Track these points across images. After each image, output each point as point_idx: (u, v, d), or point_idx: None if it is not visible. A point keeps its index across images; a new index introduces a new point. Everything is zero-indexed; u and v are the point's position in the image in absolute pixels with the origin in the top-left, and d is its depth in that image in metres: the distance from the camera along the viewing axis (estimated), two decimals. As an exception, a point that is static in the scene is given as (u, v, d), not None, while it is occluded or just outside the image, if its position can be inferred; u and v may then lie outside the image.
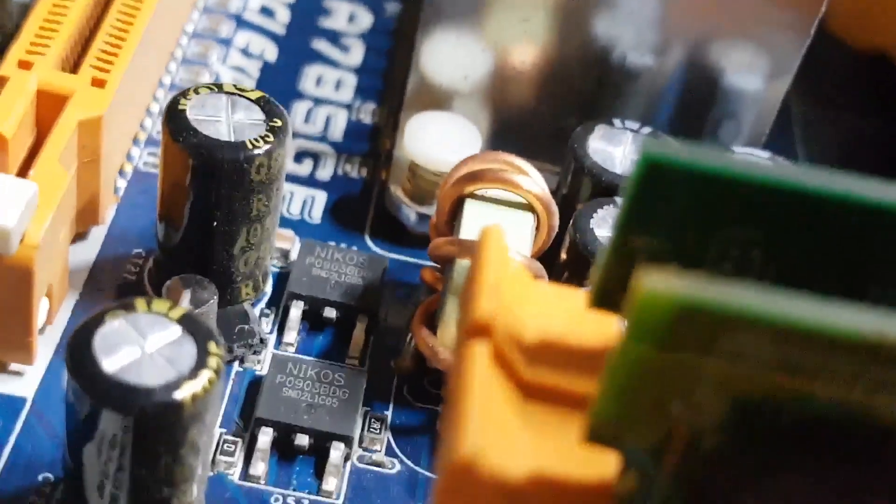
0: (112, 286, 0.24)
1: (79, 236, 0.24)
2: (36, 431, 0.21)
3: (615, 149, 0.24)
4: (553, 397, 0.16)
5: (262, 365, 0.23)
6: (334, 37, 0.31)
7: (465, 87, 0.26)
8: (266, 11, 0.32)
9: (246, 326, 0.23)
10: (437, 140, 0.25)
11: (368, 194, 0.27)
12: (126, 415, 0.17)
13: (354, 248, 0.26)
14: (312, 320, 0.24)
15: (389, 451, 0.22)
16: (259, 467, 0.21)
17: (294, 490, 0.21)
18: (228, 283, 0.23)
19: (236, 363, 0.23)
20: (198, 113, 0.22)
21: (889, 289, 0.15)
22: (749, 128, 0.26)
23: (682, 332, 0.13)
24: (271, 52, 0.30)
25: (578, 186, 0.24)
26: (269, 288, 0.24)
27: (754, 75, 0.26)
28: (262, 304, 0.24)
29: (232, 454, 0.21)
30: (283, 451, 0.22)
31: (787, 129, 0.31)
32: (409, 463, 0.22)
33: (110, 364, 0.17)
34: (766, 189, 0.14)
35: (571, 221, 0.23)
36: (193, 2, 0.30)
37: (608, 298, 0.16)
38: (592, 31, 0.26)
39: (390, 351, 0.24)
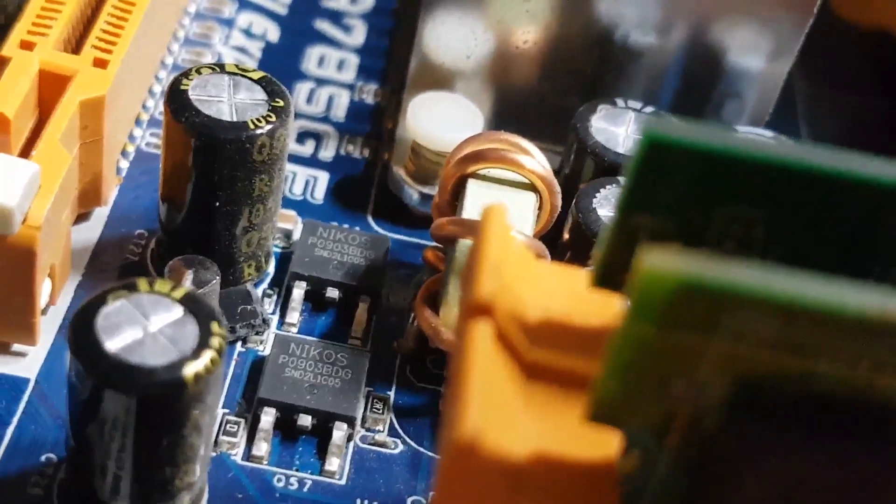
0: (115, 267, 0.24)
1: (81, 217, 0.24)
2: (39, 412, 0.21)
3: (618, 128, 0.24)
4: (555, 377, 0.16)
5: (264, 345, 0.23)
6: (336, 17, 0.31)
7: (468, 66, 0.26)
8: (268, -9, 0.31)
9: (248, 307, 0.23)
10: (440, 120, 0.25)
11: (371, 174, 0.27)
12: (129, 395, 0.17)
13: (357, 228, 0.26)
14: (315, 300, 0.24)
15: (392, 432, 0.22)
16: (262, 447, 0.21)
17: (297, 470, 0.21)
18: (231, 264, 0.23)
19: (239, 344, 0.23)
20: (200, 93, 0.22)
21: (892, 266, 0.15)
22: (752, 107, 0.26)
23: (684, 311, 0.13)
24: (273, 33, 0.30)
25: (581, 166, 0.24)
26: (271, 268, 0.24)
27: (757, 54, 0.25)
28: (265, 285, 0.24)
29: (235, 434, 0.21)
30: (286, 431, 0.22)
31: (791, 107, 0.31)
32: (411, 443, 0.22)
33: (113, 344, 0.17)
34: (767, 167, 0.14)
35: (574, 201, 0.22)
36: (195, -18, 0.30)
37: (610, 278, 0.15)
38: (595, 11, 0.25)
39: (393, 331, 0.24)
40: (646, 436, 0.14)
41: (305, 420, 0.21)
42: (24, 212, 0.19)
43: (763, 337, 0.13)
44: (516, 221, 0.21)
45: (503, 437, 0.14)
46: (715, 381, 0.14)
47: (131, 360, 0.17)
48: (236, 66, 0.22)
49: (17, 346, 0.22)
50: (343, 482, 0.21)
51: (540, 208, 0.22)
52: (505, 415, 0.15)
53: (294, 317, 0.23)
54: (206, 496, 0.20)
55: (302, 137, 0.28)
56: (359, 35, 0.31)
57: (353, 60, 0.30)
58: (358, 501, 0.21)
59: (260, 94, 0.22)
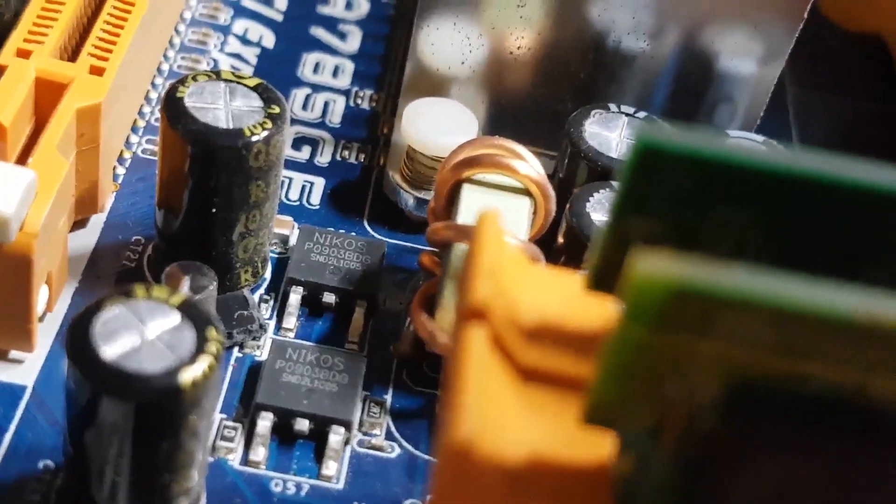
0: (111, 273, 0.24)
1: (78, 224, 0.24)
2: (36, 419, 0.21)
3: (611, 133, 0.24)
4: (551, 380, 0.16)
5: (261, 350, 0.23)
6: (332, 23, 0.31)
7: (462, 72, 0.26)
8: (263, -2, 0.32)
9: (245, 312, 0.23)
10: (435, 125, 0.25)
11: (367, 180, 0.28)
12: (126, 401, 0.17)
13: (353, 233, 0.26)
14: (311, 305, 0.24)
15: (389, 436, 0.22)
16: (259, 452, 0.21)
17: (294, 475, 0.21)
18: (227, 270, 0.23)
19: (236, 349, 0.23)
20: (196, 100, 0.22)
21: (883, 269, 0.15)
22: (744, 111, 0.26)
23: (678, 314, 0.13)
24: (269, 39, 0.30)
25: (575, 170, 0.24)
26: (268, 274, 0.25)
27: (748, 59, 0.26)
28: (262, 290, 0.24)
29: (232, 440, 0.21)
30: (283, 436, 0.22)
31: (782, 111, 0.31)
32: (408, 447, 0.22)
33: (110, 350, 0.17)
34: (758, 172, 0.14)
35: (568, 205, 0.23)
36: (190, -11, 0.30)
37: (604, 281, 0.16)
38: (588, 16, 0.26)
39: (389, 335, 0.24)
40: (641, 437, 0.15)
41: (302, 425, 0.21)
42: (20, 219, 0.19)
43: (755, 339, 0.13)
44: (511, 226, 0.22)
45: (499, 441, 0.14)
46: (708, 382, 0.14)
47: (129, 367, 0.17)
48: (232, 72, 0.23)
49: (14, 353, 0.22)
50: (340, 486, 0.21)
51: (534, 213, 0.22)
52: (500, 418, 0.15)
53: (291, 322, 0.24)
54: (203, 501, 0.20)
55: (298, 143, 0.28)
56: (354, 41, 0.31)
57: (349, 66, 0.30)
58: (355, 505, 0.21)
59: (256, 101, 0.22)
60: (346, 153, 0.28)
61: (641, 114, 0.25)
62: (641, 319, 0.13)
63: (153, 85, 0.28)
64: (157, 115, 0.27)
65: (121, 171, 0.26)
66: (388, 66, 0.31)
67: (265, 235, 0.23)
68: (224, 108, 0.22)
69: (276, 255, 0.25)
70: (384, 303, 0.24)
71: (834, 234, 0.15)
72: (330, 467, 0.21)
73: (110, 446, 0.18)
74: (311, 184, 0.27)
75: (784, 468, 0.13)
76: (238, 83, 0.22)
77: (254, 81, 0.23)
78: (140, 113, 0.27)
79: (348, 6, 0.32)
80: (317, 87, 0.30)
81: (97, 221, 0.25)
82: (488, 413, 0.15)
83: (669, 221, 0.15)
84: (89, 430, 0.18)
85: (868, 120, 0.32)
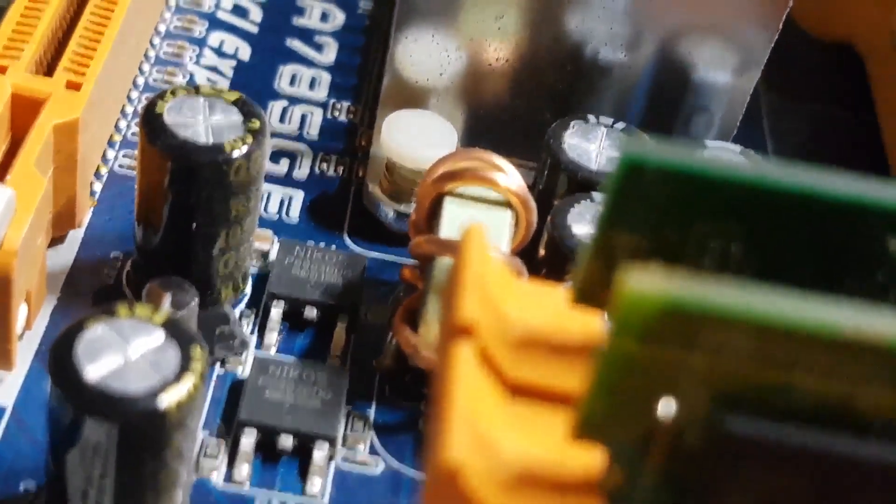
0: (90, 290, 0.24)
1: (56, 240, 0.24)
2: (17, 439, 0.21)
3: (590, 144, 0.25)
4: (538, 395, 0.16)
5: (243, 367, 0.23)
6: (308, 35, 0.31)
7: (441, 84, 0.27)
8: (239, 10, 0.31)
9: (226, 328, 0.23)
10: (414, 138, 0.25)
11: (346, 193, 0.28)
12: (110, 423, 0.17)
13: (333, 247, 0.26)
14: (293, 320, 0.24)
15: (373, 451, 0.22)
16: (243, 469, 0.21)
17: (279, 491, 0.21)
18: (208, 285, 0.23)
19: (217, 365, 0.23)
20: (175, 116, 0.22)
21: (864, 280, 0.16)
22: (720, 121, 0.26)
23: (666, 329, 0.13)
24: (245, 52, 0.30)
25: (555, 182, 0.24)
26: (248, 289, 0.24)
27: (724, 69, 0.26)
28: (242, 306, 0.24)
29: (215, 457, 0.21)
30: (267, 452, 0.22)
31: (757, 120, 0.32)
32: (393, 462, 0.22)
33: (94, 371, 0.17)
34: (740, 185, 0.15)
35: (549, 217, 0.23)
36: (165, 1, 0.30)
37: (590, 295, 0.16)
38: (565, 27, 0.26)
39: (372, 349, 0.24)
40: (630, 451, 0.15)
41: (286, 441, 0.21)
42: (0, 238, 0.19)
43: (743, 353, 0.13)
44: (493, 239, 0.22)
45: (488, 459, 0.14)
46: (697, 396, 0.14)
47: (112, 388, 0.17)
48: (211, 87, 0.22)
49: (-8, 373, 0.21)
50: (325, 502, 0.21)
51: (516, 225, 0.22)
52: (489, 435, 0.15)
53: (272, 337, 0.23)
54: (188, 520, 0.20)
55: (276, 156, 0.28)
56: (331, 53, 0.31)
57: (326, 78, 0.30)
58: (340, 521, 0.21)
59: (236, 116, 0.22)
60: (324, 166, 0.28)
61: (620, 125, 0.25)
62: (630, 334, 0.13)
63: (129, 99, 0.28)
64: (134, 129, 0.27)
65: (98, 186, 0.26)
66: (365, 78, 0.30)
67: (246, 250, 0.23)
68: (203, 123, 0.22)
69: (256, 270, 0.25)
70: (366, 316, 0.24)
71: (815, 246, 0.15)
72: (315, 484, 0.21)
73: (93, 467, 0.18)
74: (290, 197, 0.27)
75: (772, 483, 0.13)
76: (217, 98, 0.22)
77: (233, 96, 0.22)
78: (116, 127, 0.27)
79: (324, 17, 0.32)
80: (294, 100, 0.29)
81: (75, 237, 0.24)
82: (476, 431, 0.15)
83: (654, 235, 0.15)
84: (72, 451, 0.18)
85: (841, 127, 0.32)
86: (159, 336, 0.18)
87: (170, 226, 0.22)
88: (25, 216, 0.20)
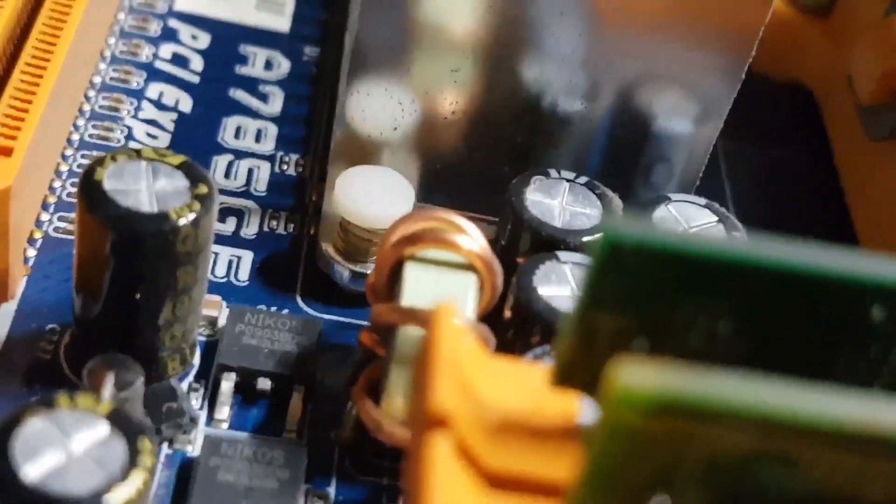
0: (25, 367, 0.22)
1: (-14, 314, 0.22)
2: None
3: (552, 200, 0.24)
4: (519, 485, 0.15)
5: (193, 445, 0.22)
6: (252, 84, 0.30)
7: (394, 137, 0.26)
8: (179, 60, 0.30)
9: (174, 405, 0.22)
10: (369, 195, 0.24)
11: (297, 251, 0.26)
12: (52, 528, 0.16)
13: (286, 310, 0.25)
14: (245, 393, 0.23)
15: (335, 532, 0.21)
16: (196, 560, 0.20)
17: (235, 582, 0.20)
18: (153, 359, 0.22)
19: (165, 445, 0.22)
20: (116, 182, 0.20)
21: (858, 358, 0.15)
22: (681, 171, 0.26)
23: (660, 425, 0.12)
24: (186, 103, 0.29)
25: (517, 239, 0.23)
26: (196, 359, 0.23)
27: (685, 119, 0.25)
28: (190, 378, 0.23)
29: (166, 547, 0.20)
30: (222, 540, 0.20)
31: (713, 163, 0.31)
32: (356, 543, 0.21)
33: (32, 471, 0.16)
34: (726, 263, 0.14)
35: (514, 279, 0.22)
36: (100, 52, 0.29)
37: (570, 376, 0.15)
38: (523, 79, 0.25)
39: (329, 419, 0.23)
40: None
41: (243, 528, 0.20)
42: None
43: (741, 448, 0.12)
44: (458, 305, 0.21)
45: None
46: (693, 493, 0.13)
47: (54, 490, 0.16)
48: (154, 150, 0.21)
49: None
50: (285, 592, 0.20)
51: (481, 289, 0.21)
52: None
53: (224, 412, 0.22)
54: None
55: (223, 214, 0.27)
56: (276, 103, 0.30)
57: (272, 130, 0.29)
58: None
59: (181, 181, 0.21)
60: (273, 223, 0.27)
61: (582, 179, 0.24)
62: (622, 431, 0.12)
63: (63, 157, 0.26)
64: (69, 189, 0.26)
65: (31, 252, 0.24)
66: (314, 129, 0.29)
67: (193, 321, 0.22)
68: (146, 189, 0.20)
69: (204, 338, 0.24)
70: (322, 383, 0.23)
71: (806, 321, 0.15)
72: (274, 574, 0.20)
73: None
74: (239, 258, 0.26)
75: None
76: (160, 161, 0.21)
77: (178, 159, 0.21)
78: (50, 188, 0.25)
79: (268, 66, 0.31)
80: (239, 154, 0.28)
81: (7, 310, 0.23)
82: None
83: (637, 314, 0.14)
84: (9, 557, 0.16)
85: (799, 169, 0.32)
86: (103, 428, 0.17)
87: (111, 297, 0.21)
88: (-46, 297, 0.18)
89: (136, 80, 0.29)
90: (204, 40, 0.31)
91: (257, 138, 0.29)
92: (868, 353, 0.15)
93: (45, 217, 0.25)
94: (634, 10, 0.24)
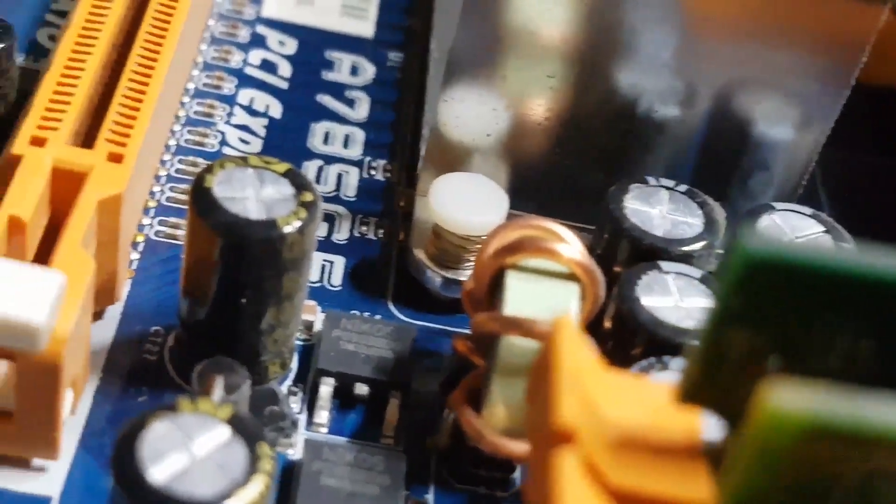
0: (132, 368, 0.23)
1: (94, 316, 0.23)
2: (62, 533, 0.20)
3: (652, 209, 0.24)
4: (644, 502, 0.15)
5: (294, 449, 0.22)
6: (338, 90, 0.30)
7: (487, 144, 0.26)
8: (267, 65, 0.30)
9: (276, 408, 0.22)
10: (464, 202, 0.25)
11: (388, 257, 0.27)
12: (179, 530, 0.16)
13: (378, 315, 0.25)
14: (343, 397, 0.23)
15: (434, 537, 0.21)
16: (301, 562, 0.20)
17: (339, 584, 0.20)
18: (255, 363, 0.22)
19: (267, 447, 0.22)
20: (225, 189, 0.21)
21: None
22: (780, 180, 0.26)
23: (812, 449, 0.12)
24: (276, 109, 0.29)
25: (616, 248, 0.23)
26: (294, 363, 0.23)
27: (787, 126, 0.25)
28: (289, 382, 0.23)
29: (271, 548, 0.20)
30: (327, 543, 0.20)
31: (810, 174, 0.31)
32: (456, 549, 0.21)
33: (158, 473, 0.16)
34: (871, 280, 0.14)
35: (616, 289, 0.22)
36: (194, 59, 0.29)
37: (698, 394, 0.15)
38: (618, 84, 0.25)
39: (424, 426, 0.23)
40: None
41: (348, 532, 0.20)
42: (51, 328, 0.18)
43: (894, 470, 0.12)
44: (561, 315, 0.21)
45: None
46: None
47: (180, 492, 0.16)
48: (260, 157, 0.22)
49: (36, 461, 0.20)
50: None
51: (583, 298, 0.21)
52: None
53: (323, 416, 0.22)
54: None
55: (315, 220, 0.27)
56: (363, 108, 0.30)
57: (359, 135, 0.29)
58: None
59: (287, 189, 0.21)
60: (364, 228, 0.27)
61: (682, 187, 0.24)
62: (773, 454, 0.12)
63: (161, 162, 0.27)
64: (168, 194, 0.26)
65: (134, 255, 0.25)
66: (399, 135, 0.30)
67: (294, 326, 0.22)
68: (254, 196, 0.21)
69: (300, 342, 0.24)
70: (417, 390, 0.23)
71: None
72: (380, 578, 0.20)
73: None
74: (332, 263, 0.26)
75: None
76: (266, 169, 0.21)
77: (283, 167, 0.21)
78: (151, 193, 0.26)
79: (354, 71, 0.31)
80: (329, 159, 0.29)
81: (114, 312, 0.23)
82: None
83: (773, 333, 0.14)
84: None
85: (890, 175, 0.32)
86: (224, 432, 0.17)
87: (218, 301, 0.21)
88: (75, 301, 0.19)
89: (228, 87, 0.29)
90: (291, 46, 0.31)
91: (345, 144, 0.29)
92: None
93: (146, 220, 0.25)
94: (733, 17, 0.24)
